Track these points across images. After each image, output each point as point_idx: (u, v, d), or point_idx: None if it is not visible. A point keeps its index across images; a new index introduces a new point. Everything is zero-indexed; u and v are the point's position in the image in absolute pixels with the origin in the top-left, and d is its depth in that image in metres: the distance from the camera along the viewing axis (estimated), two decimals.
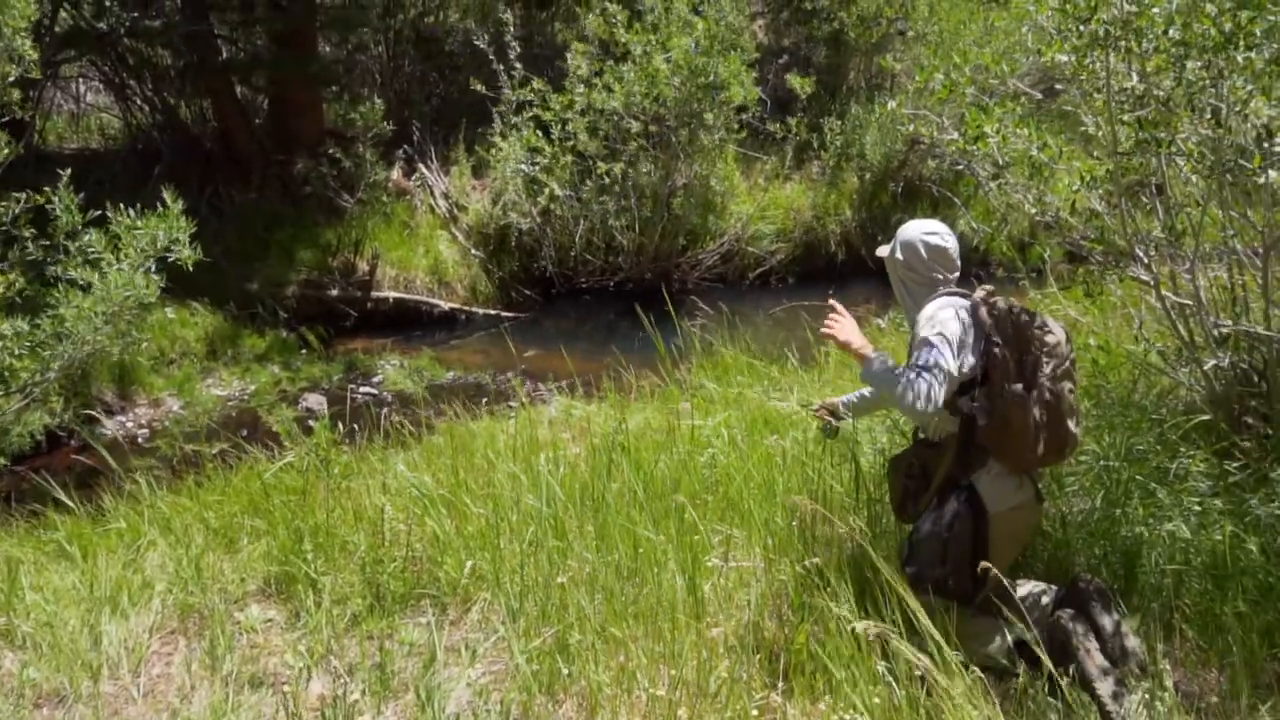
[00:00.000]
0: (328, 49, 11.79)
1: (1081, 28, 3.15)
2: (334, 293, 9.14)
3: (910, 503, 3.03)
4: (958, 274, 2.97)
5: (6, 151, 5.71)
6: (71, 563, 4.27)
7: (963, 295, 2.90)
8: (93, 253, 5.38)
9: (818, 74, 11.92)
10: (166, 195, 5.45)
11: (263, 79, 10.33)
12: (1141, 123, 3.18)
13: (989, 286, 2.92)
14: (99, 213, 5.75)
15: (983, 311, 2.80)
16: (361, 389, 7.75)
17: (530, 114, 9.47)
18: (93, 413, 6.95)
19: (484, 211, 10.17)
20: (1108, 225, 3.89)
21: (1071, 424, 2.81)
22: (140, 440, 6.91)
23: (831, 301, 3.00)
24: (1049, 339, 2.80)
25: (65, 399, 6.74)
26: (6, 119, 6.00)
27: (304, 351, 8.41)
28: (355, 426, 6.91)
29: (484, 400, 7.61)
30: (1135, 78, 3.24)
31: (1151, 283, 3.75)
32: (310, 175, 9.84)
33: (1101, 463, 3.62)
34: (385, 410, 7.41)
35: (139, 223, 5.38)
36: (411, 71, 11.95)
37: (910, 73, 13.33)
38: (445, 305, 9.42)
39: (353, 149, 9.63)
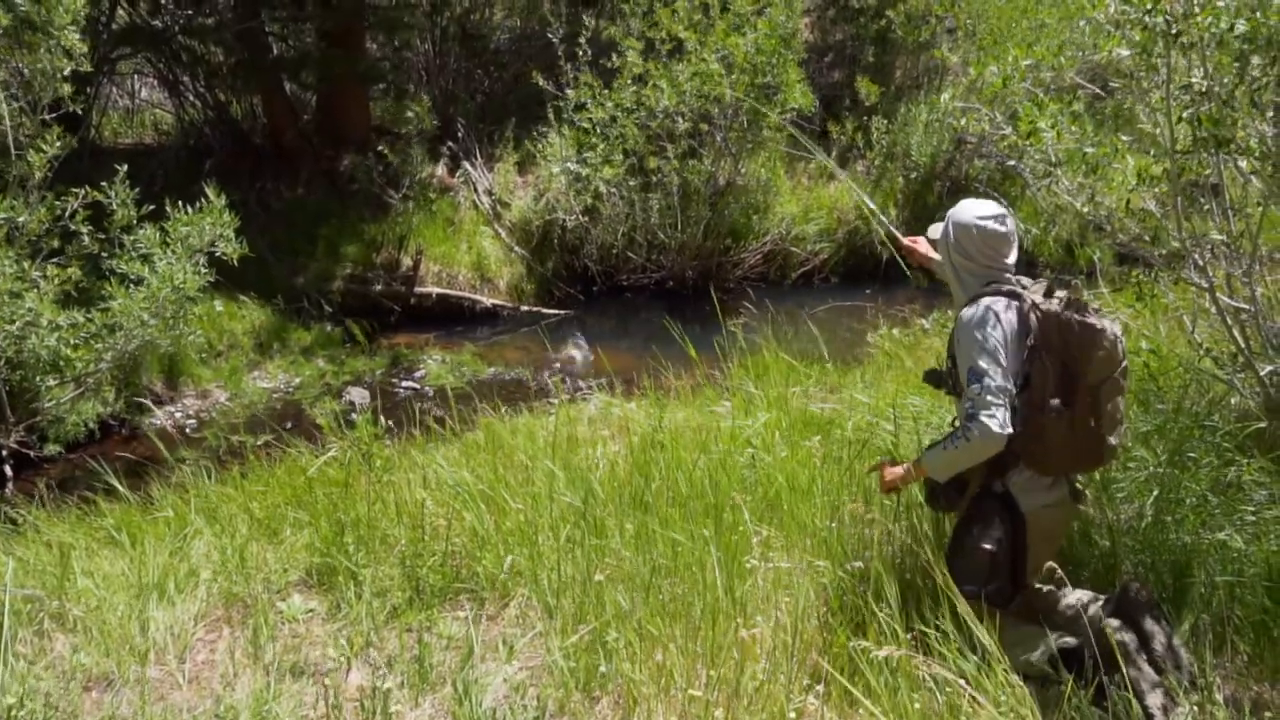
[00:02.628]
0: (374, 46, 11.91)
1: (1145, 19, 3.06)
2: (378, 288, 9.23)
3: (942, 497, 2.94)
4: (1015, 259, 2.82)
5: (60, 145, 5.84)
6: (121, 549, 4.36)
7: (1013, 293, 2.74)
8: (143, 248, 5.48)
9: (864, 72, 11.83)
10: (210, 191, 5.53)
11: (311, 76, 10.45)
12: (1201, 120, 3.10)
13: (1044, 281, 2.80)
14: (153, 207, 5.87)
15: (1032, 316, 2.67)
16: (404, 384, 7.82)
17: (584, 113, 9.48)
18: (144, 402, 7.08)
19: (527, 208, 10.21)
20: (1162, 226, 3.80)
21: (1112, 438, 2.72)
22: (188, 430, 7.03)
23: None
24: (1098, 353, 2.64)
25: (117, 389, 6.87)
26: (60, 113, 6.12)
27: (348, 345, 8.50)
28: (394, 422, 6.97)
29: (524, 398, 7.64)
30: (1198, 74, 3.15)
31: (1206, 286, 3.65)
32: (357, 171, 9.95)
33: (1151, 469, 3.54)
34: (427, 405, 7.47)
35: (189, 218, 5.47)
36: (457, 68, 12.02)
37: (959, 70, 13.17)
38: (487, 301, 9.47)
39: (399, 145, 9.73)
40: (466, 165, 10.72)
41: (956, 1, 11.43)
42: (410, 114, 9.61)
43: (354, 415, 7.28)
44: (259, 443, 6.82)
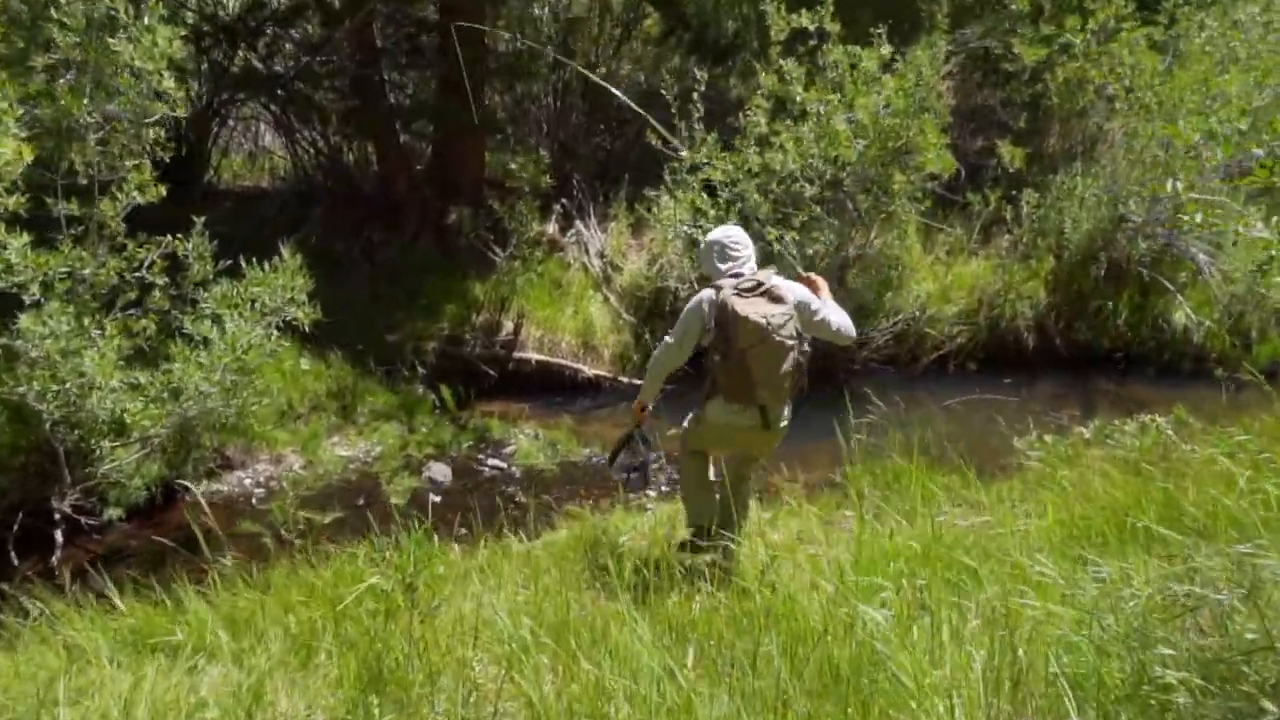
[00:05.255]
0: (496, 98, 11.56)
1: None
2: (476, 350, 8.67)
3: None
4: (734, 265, 4.21)
5: (152, 192, 5.46)
6: (131, 663, 3.76)
7: (717, 286, 4.12)
8: (210, 310, 4.99)
9: (1014, 139, 10.81)
10: (285, 250, 5.00)
11: (427, 125, 10.13)
12: None
13: (753, 280, 4.07)
14: (229, 261, 5.41)
15: (718, 302, 4.02)
16: (490, 461, 7.16)
17: (702, 175, 8.79)
18: (212, 468, 6.62)
19: (639, 273, 9.55)
20: None
21: (761, 390, 4.07)
22: (255, 499, 6.52)
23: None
24: (740, 330, 3.94)
25: (184, 451, 6.42)
26: (163, 158, 5.73)
27: (437, 412, 7.92)
28: (473, 509, 6.30)
29: (617, 485, 6.88)
30: None
31: None
32: (465, 225, 9.49)
33: None
34: (512, 488, 6.80)
35: (262, 277, 4.96)
36: (578, 123, 11.56)
37: (1116, 140, 11.99)
38: (589, 372, 8.79)
39: (510, 200, 9.22)
40: (579, 224, 10.17)
41: (1119, 68, 10.37)
42: (521, 167, 9.06)
43: (433, 495, 6.66)
44: (326, 520, 6.27)
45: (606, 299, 9.46)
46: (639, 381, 8.96)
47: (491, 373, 8.54)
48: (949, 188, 10.03)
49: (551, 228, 10.20)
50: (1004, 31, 11.41)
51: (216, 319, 5.07)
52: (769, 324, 3.93)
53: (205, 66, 9.61)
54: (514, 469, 7.08)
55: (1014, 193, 10.30)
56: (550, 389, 8.67)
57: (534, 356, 8.75)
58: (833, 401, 9.19)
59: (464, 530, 6.06)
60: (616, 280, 9.62)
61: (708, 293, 4.10)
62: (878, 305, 9.69)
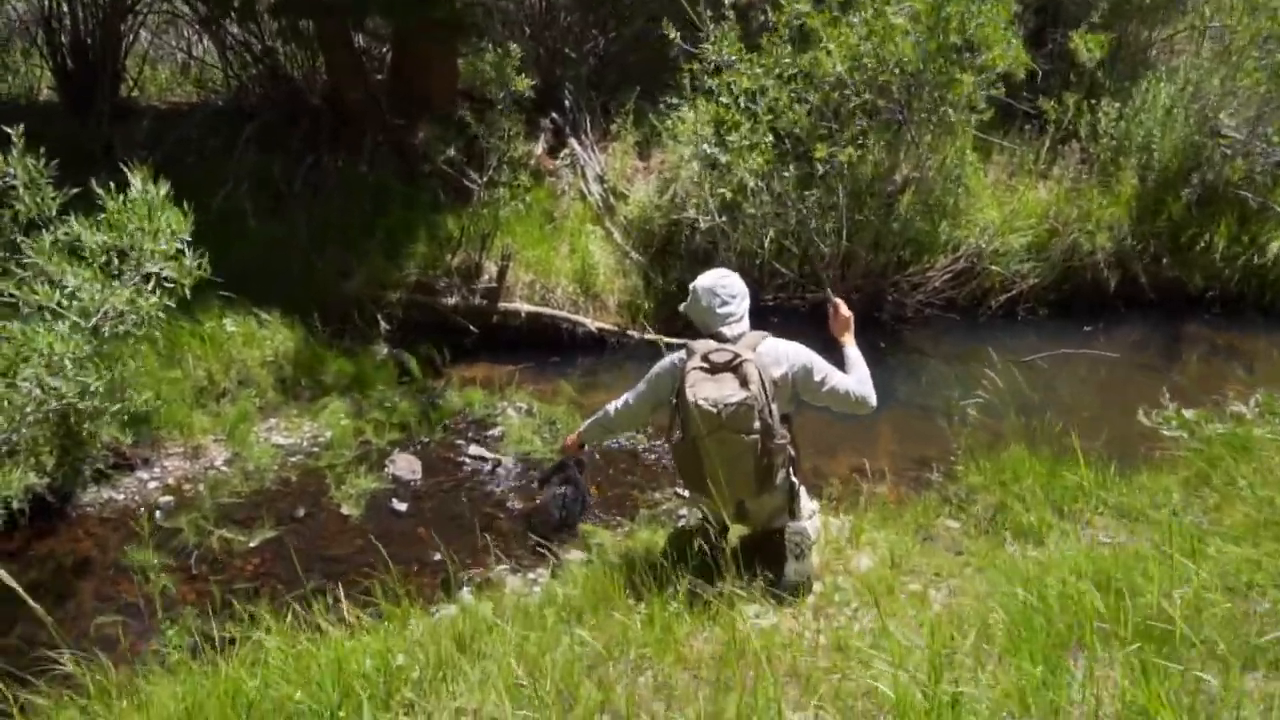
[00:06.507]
0: None
1: None
2: (452, 300, 7.03)
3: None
4: (725, 320, 3.41)
5: None
6: None
7: (689, 350, 3.40)
8: (32, 263, 3.32)
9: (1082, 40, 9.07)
10: (135, 177, 3.31)
11: (386, 24, 8.32)
12: None
13: (714, 352, 3.31)
14: (76, 190, 3.71)
15: (678, 371, 3.42)
16: (470, 450, 5.57)
17: (724, 76, 7.05)
18: (100, 469, 5.01)
19: (648, 203, 7.86)
20: None
21: (708, 480, 3.25)
22: (161, 510, 4.92)
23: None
24: (692, 414, 3.24)
25: (61, 450, 4.81)
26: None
27: (404, 382, 6.31)
28: (449, 523, 4.75)
29: (636, 480, 5.35)
30: None
31: None
32: (433, 146, 7.75)
33: None
34: (501, 490, 5.23)
35: (111, 214, 3.28)
36: (568, 22, 9.72)
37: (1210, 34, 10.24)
38: (592, 325, 7.16)
39: (488, 116, 7.47)
40: (573, 144, 8.43)
41: None
42: (501, 74, 7.25)
43: (395, 501, 5.10)
44: (251, 544, 4.71)
45: (609, 234, 7.78)
46: (651, 336, 7.43)
47: (471, 328, 6.91)
48: (1014, 92, 8.34)
49: (539, 148, 8.48)
50: None
51: (52, 280, 3.40)
52: (720, 413, 3.25)
53: None
54: (502, 458, 5.50)
55: (1091, 101, 8.62)
56: (544, 347, 7.06)
57: (523, 307, 7.12)
58: (888, 353, 7.68)
59: (437, 556, 4.52)
60: (621, 211, 7.93)
61: (676, 357, 3.51)
62: (932, 239, 8.08)
